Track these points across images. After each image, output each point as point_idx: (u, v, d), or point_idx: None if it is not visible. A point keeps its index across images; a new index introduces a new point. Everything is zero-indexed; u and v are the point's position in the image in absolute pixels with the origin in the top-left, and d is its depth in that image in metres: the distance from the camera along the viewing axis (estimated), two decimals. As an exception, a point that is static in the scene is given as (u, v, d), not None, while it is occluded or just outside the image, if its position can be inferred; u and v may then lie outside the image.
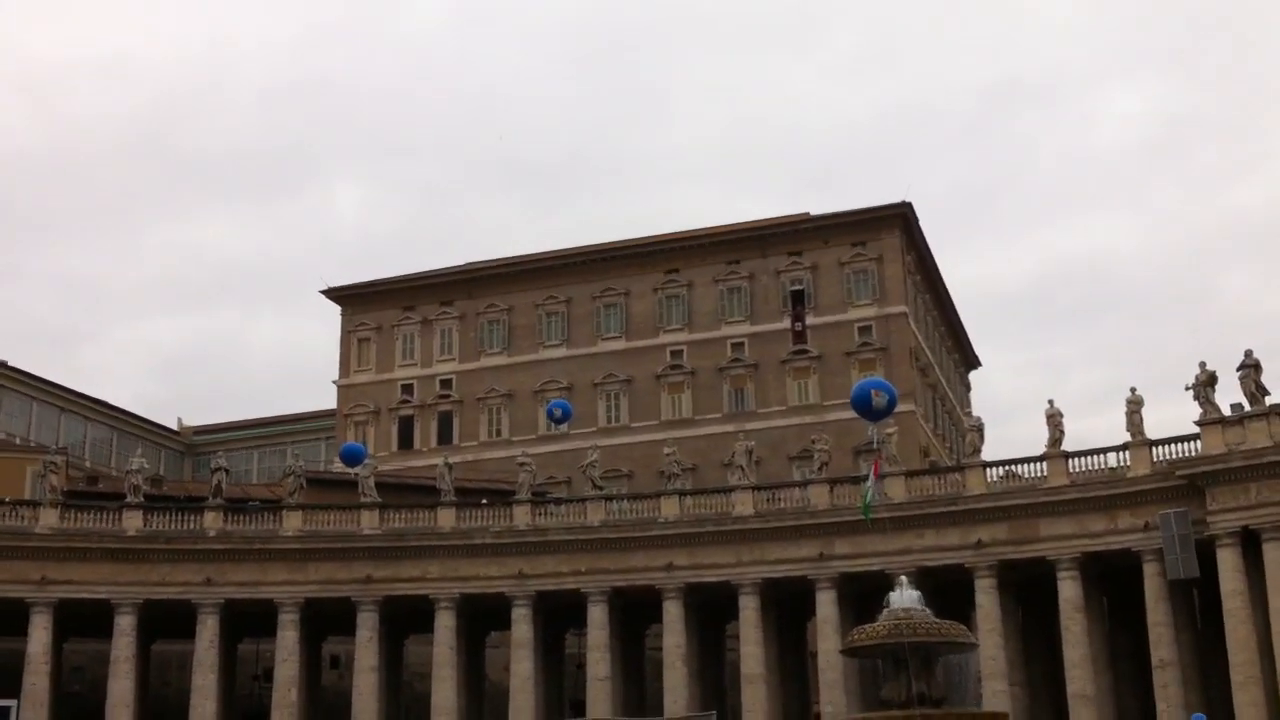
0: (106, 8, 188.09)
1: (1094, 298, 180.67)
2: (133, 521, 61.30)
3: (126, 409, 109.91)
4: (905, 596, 38.14)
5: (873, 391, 38.62)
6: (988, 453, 59.82)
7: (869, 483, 53.66)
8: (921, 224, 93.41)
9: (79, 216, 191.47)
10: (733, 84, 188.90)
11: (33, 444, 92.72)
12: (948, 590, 55.36)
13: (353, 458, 54.54)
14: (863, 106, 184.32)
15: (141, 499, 62.28)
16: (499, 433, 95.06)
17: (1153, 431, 56.02)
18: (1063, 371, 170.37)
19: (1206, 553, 52.28)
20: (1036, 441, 58.13)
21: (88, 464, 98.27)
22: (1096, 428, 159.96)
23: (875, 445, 53.50)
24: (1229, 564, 51.70)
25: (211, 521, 62.03)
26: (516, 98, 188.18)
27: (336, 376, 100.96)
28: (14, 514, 61.17)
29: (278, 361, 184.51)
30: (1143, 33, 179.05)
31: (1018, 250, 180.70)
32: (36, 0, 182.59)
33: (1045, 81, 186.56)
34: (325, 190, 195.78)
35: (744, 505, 61.16)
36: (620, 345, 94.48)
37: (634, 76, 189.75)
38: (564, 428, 73.57)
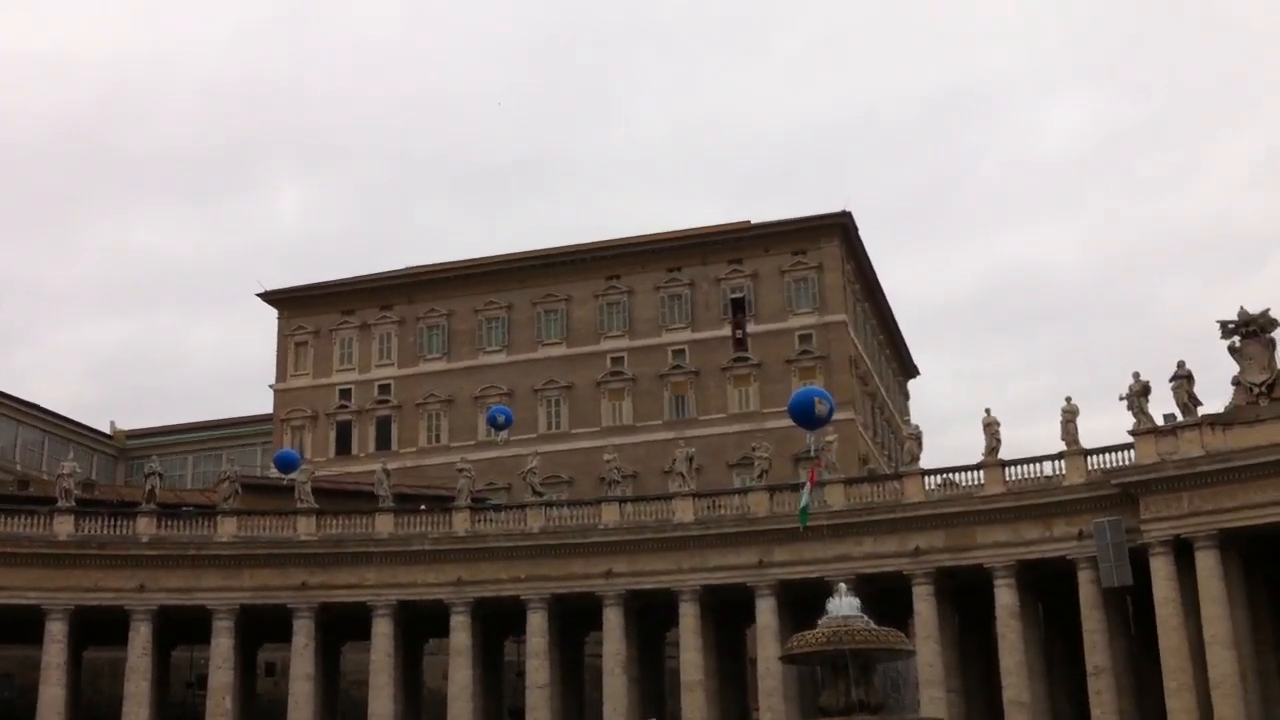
0: (45, 3, 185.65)
1: (1034, 307, 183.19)
2: (64, 526, 60.32)
3: (58, 412, 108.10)
4: (844, 604, 38.25)
5: (816, 400, 38.81)
6: (926, 461, 60.26)
7: (806, 490, 53.95)
8: (863, 233, 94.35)
9: (13, 214, 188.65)
10: (681, 88, 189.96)
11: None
12: (886, 597, 55.58)
13: (286, 465, 54.07)
14: (810, 112, 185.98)
15: (73, 503, 61.32)
16: (438, 438, 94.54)
17: (1090, 441, 56.75)
18: (1003, 380, 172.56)
19: (1140, 561, 52.93)
20: (976, 450, 58.73)
21: (18, 467, 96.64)
22: (1036, 436, 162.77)
23: (813, 453, 53.74)
24: (1162, 572, 52.37)
25: (145, 527, 61.15)
26: (463, 99, 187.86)
27: (274, 381, 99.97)
28: (-57, 519, 60.06)
29: (215, 365, 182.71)
30: (1086, 45, 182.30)
31: (960, 259, 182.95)
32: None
33: (990, 92, 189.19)
34: (267, 191, 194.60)
35: (684, 512, 61.19)
36: (561, 351, 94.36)
37: (582, 80, 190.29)
38: (504, 435, 73.44)
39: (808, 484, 54.28)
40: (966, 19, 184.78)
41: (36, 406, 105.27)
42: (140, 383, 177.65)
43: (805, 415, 34.55)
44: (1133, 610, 56.74)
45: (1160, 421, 54.36)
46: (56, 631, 59.06)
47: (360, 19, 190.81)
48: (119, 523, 61.75)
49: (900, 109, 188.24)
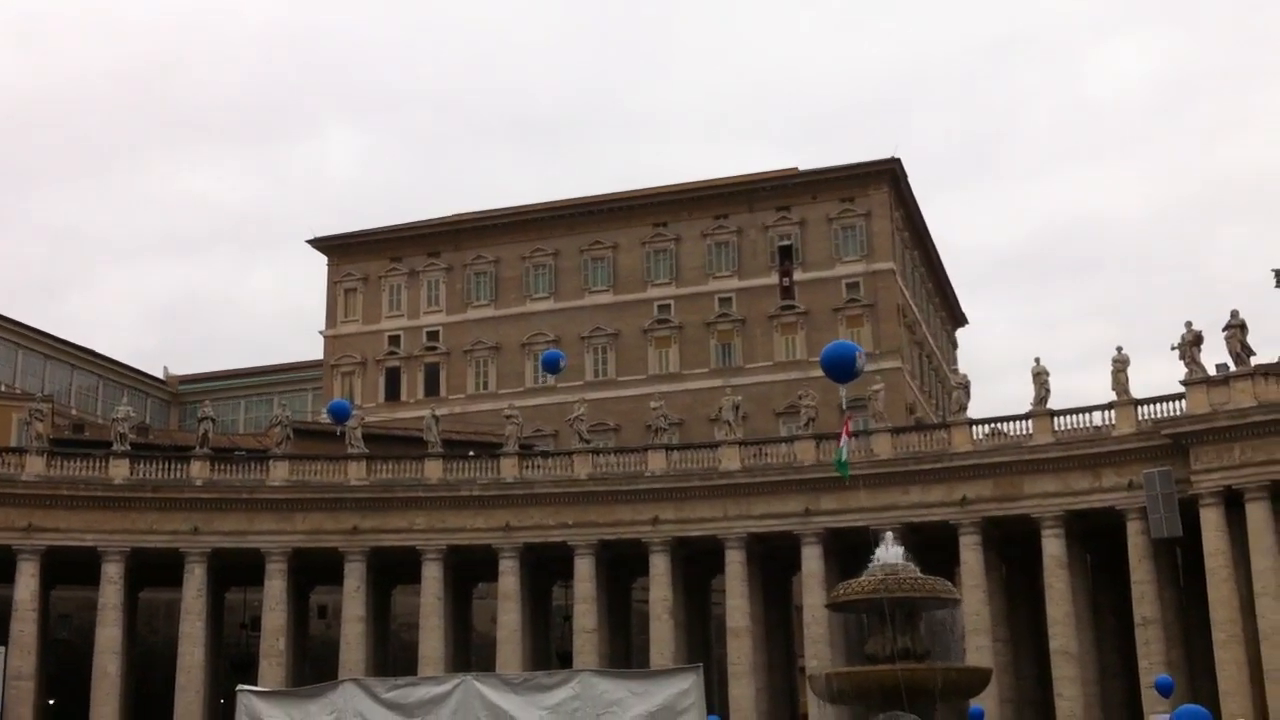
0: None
1: (1088, 254, 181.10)
2: (119, 470, 61.24)
3: (113, 357, 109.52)
4: (890, 552, 38.30)
5: (857, 354, 38.18)
6: (978, 410, 60.22)
7: (843, 444, 53.50)
8: (915, 180, 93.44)
9: (70, 164, 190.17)
10: (731, 37, 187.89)
11: (18, 391, 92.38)
12: (933, 546, 55.65)
13: (339, 414, 54.49)
14: (861, 61, 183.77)
15: (128, 447, 62.23)
16: (486, 385, 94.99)
17: (1145, 389, 56.35)
18: (1056, 329, 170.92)
19: (1190, 512, 52.68)
20: (1028, 400, 58.36)
21: (74, 412, 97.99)
22: (1090, 385, 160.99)
23: (845, 407, 53.47)
24: (1212, 523, 52.11)
25: (198, 471, 62.00)
26: (514, 50, 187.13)
27: (323, 327, 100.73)
28: (0, 461, 61.08)
29: (267, 311, 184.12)
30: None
31: (1014, 205, 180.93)
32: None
33: (1045, 36, 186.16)
34: (321, 139, 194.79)
35: (730, 460, 61.35)
36: (607, 299, 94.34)
37: (631, 29, 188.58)
38: (551, 379, 73.62)
39: (844, 436, 53.89)
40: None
41: (91, 352, 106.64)
42: (194, 328, 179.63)
43: (836, 368, 34.20)
44: (1182, 561, 56.53)
45: (1212, 371, 53.86)
46: (113, 573, 60.11)
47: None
48: (173, 466, 62.62)
49: (953, 53, 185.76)
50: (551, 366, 50.29)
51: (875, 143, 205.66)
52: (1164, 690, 49.71)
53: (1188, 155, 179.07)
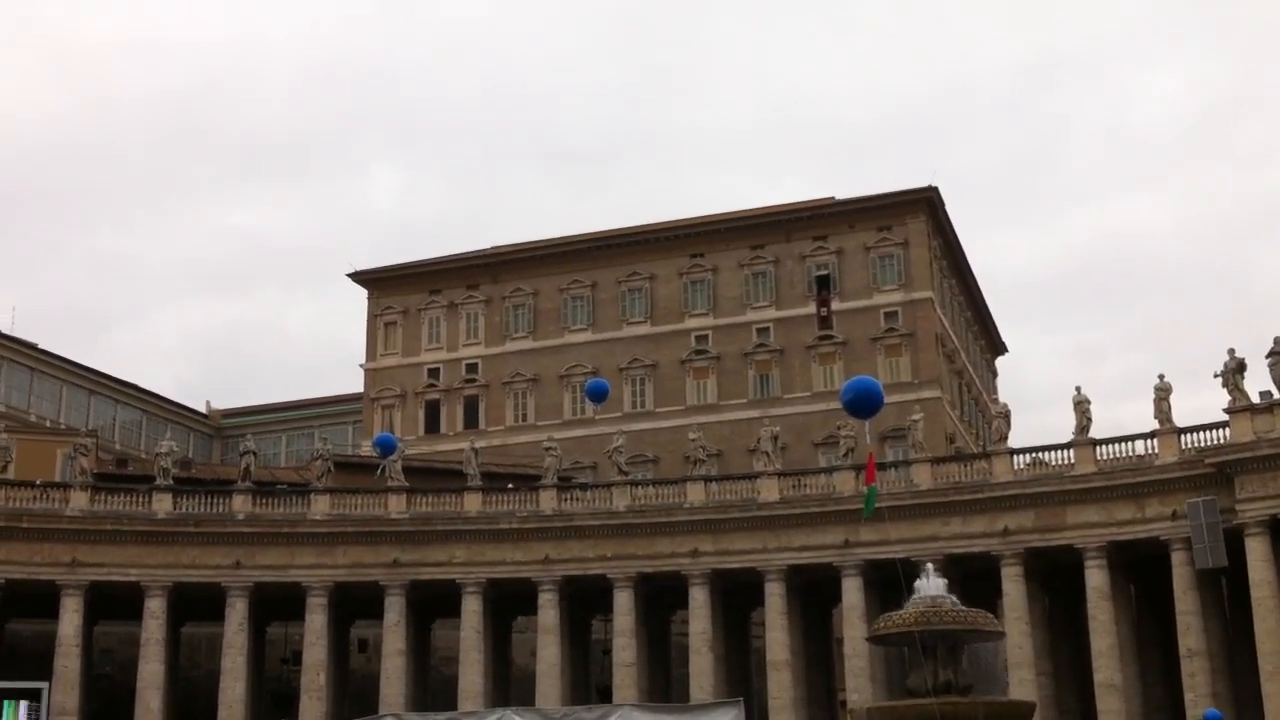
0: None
1: (1131, 281, 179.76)
2: (162, 504, 61.64)
3: (156, 391, 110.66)
4: (932, 584, 38.10)
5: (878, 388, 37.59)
6: (1020, 439, 59.75)
7: (871, 487, 52.00)
8: (953, 207, 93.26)
9: (115, 198, 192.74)
10: (767, 63, 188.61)
11: (63, 426, 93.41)
12: (974, 578, 55.35)
13: (386, 448, 54.64)
14: (899, 87, 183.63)
15: (171, 481, 62.63)
16: (525, 417, 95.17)
17: (1189, 418, 55.80)
18: (1098, 357, 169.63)
19: (1235, 542, 52.05)
20: (1070, 429, 57.90)
21: (117, 446, 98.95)
22: (1132, 414, 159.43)
23: (869, 442, 52.44)
24: (1258, 553, 51.48)
25: (240, 504, 62.35)
26: (550, 79, 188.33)
27: (364, 360, 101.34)
28: (45, 496, 61.56)
29: (309, 345, 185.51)
30: (1183, 12, 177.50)
31: (1054, 232, 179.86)
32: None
33: (1085, 60, 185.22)
34: (361, 172, 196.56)
35: (769, 491, 61.16)
36: (645, 330, 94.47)
37: (669, 58, 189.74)
38: (591, 410, 73.52)
39: (869, 481, 52.59)
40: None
41: (135, 386, 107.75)
42: (237, 362, 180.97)
43: (855, 406, 33.97)
44: (1228, 592, 55.84)
45: (1256, 399, 53.33)
46: (155, 608, 60.45)
47: (450, 2, 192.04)
48: (215, 500, 62.97)
49: (992, 80, 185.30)
50: (596, 395, 50.53)
51: (914, 170, 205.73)
52: (1212, 724, 49.09)
53: (1229, 180, 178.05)
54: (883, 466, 59.77)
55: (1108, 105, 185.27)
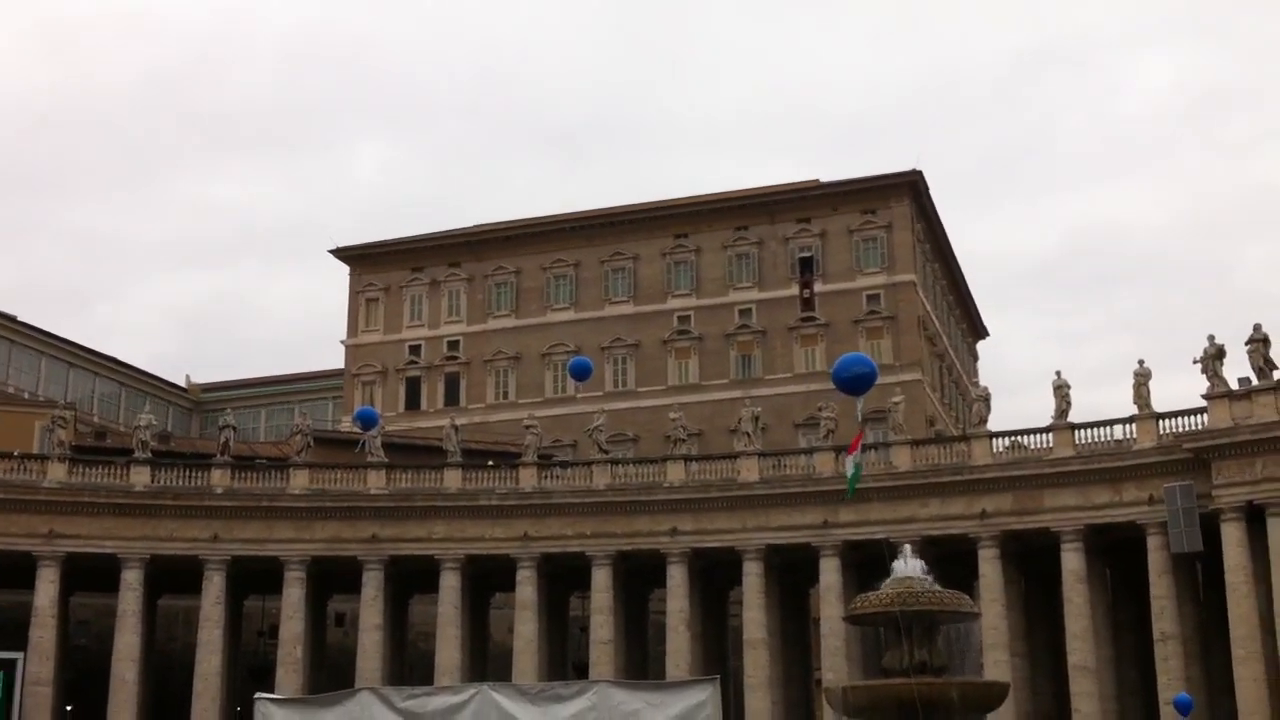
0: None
1: (1113, 268, 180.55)
2: (140, 477, 61.48)
3: (135, 365, 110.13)
4: (909, 565, 38.13)
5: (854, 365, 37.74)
6: (998, 423, 59.93)
7: (850, 459, 52.14)
8: (941, 192, 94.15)
9: (97, 171, 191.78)
10: (757, 47, 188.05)
11: (41, 399, 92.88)
12: (951, 559, 55.49)
13: (367, 421, 54.67)
14: (888, 72, 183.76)
15: (149, 455, 62.42)
16: (506, 395, 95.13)
17: (1169, 404, 55.99)
18: (1081, 342, 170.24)
19: (1211, 527, 52.34)
20: (1050, 413, 58.07)
21: (95, 419, 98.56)
22: (1112, 399, 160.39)
23: (860, 419, 52.40)
24: (1233, 539, 51.77)
25: (219, 479, 62.17)
26: (538, 59, 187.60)
27: (345, 336, 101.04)
28: (22, 468, 61.33)
29: (291, 320, 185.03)
30: (1173, 0, 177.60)
31: (1040, 218, 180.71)
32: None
33: (1075, 47, 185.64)
34: (346, 148, 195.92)
35: (749, 471, 61.26)
36: (628, 309, 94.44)
37: (657, 39, 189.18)
38: (572, 389, 73.60)
39: (855, 451, 52.68)
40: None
41: (114, 359, 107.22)
42: (218, 336, 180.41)
43: (846, 383, 33.99)
44: (1202, 577, 56.18)
45: (1235, 385, 53.56)
46: (132, 580, 60.34)
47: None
48: (194, 474, 62.79)
49: (980, 67, 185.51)
50: (579, 373, 50.42)
51: (900, 155, 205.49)
52: (1183, 708, 49.49)
53: (1215, 169, 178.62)
54: (864, 448, 59.78)
55: (1095, 93, 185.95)
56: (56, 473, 60.66)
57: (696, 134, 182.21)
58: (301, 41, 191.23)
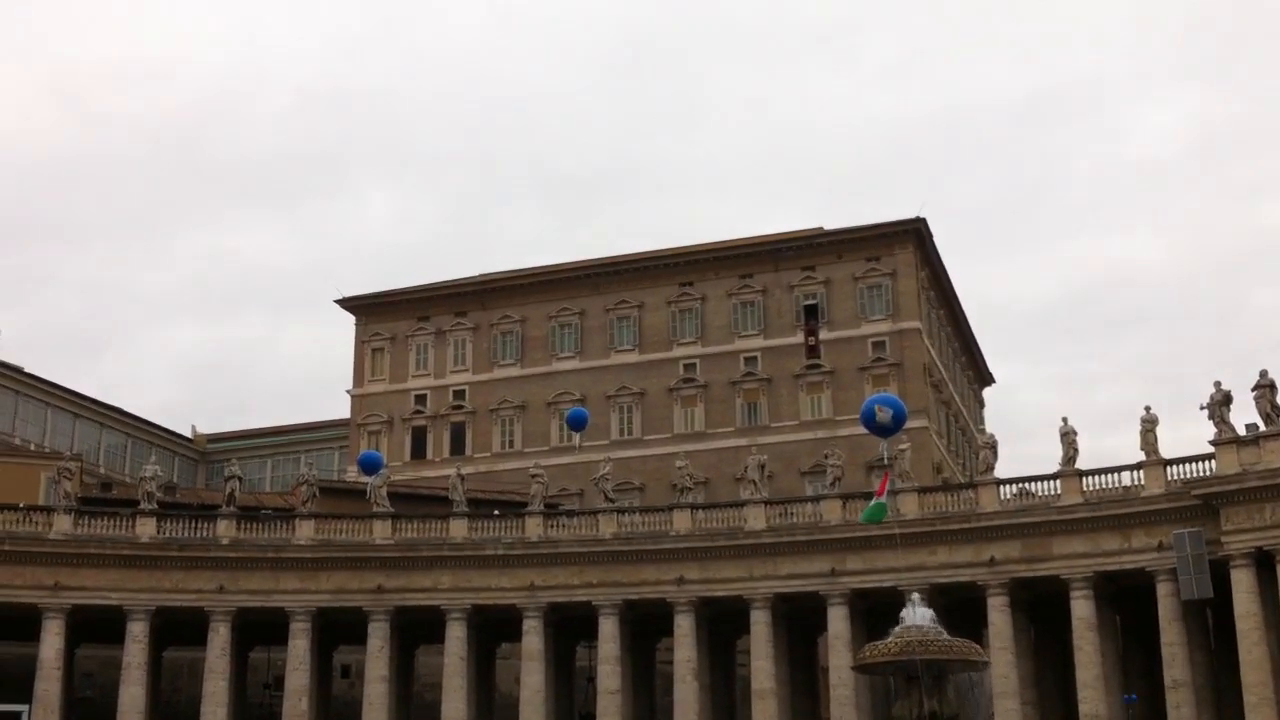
0: (140, 12, 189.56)
1: (1120, 314, 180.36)
2: (146, 528, 61.37)
3: (141, 415, 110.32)
4: (918, 614, 37.99)
5: (877, 407, 38.33)
6: (1008, 470, 59.95)
7: (881, 500, 52.39)
8: (945, 238, 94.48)
9: (108, 221, 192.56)
10: (763, 95, 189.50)
11: (47, 450, 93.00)
12: (960, 607, 55.21)
13: (370, 466, 54.67)
14: (895, 118, 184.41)
15: (155, 506, 62.33)
16: (511, 444, 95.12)
17: (1176, 450, 55.82)
18: (1089, 388, 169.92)
19: (1221, 573, 52.07)
20: (1057, 459, 57.92)
21: (102, 470, 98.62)
22: (1119, 445, 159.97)
23: (885, 460, 52.77)
24: (1243, 585, 51.47)
25: (224, 529, 62.07)
26: (547, 108, 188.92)
27: (351, 386, 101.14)
28: (28, 520, 61.24)
29: (298, 370, 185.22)
30: (1182, 45, 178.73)
31: (1046, 264, 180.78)
32: (69, 4, 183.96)
33: (1081, 93, 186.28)
34: (355, 198, 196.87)
35: (756, 520, 61.05)
36: (633, 358, 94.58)
37: (665, 87, 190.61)
38: (576, 438, 73.72)
39: (882, 488, 52.96)
40: (1057, 18, 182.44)
41: (120, 410, 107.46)
42: (224, 387, 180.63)
43: (875, 422, 34.27)
44: (1213, 623, 55.82)
45: (1242, 431, 53.45)
46: (138, 631, 60.12)
47: (447, 29, 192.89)
48: (199, 525, 62.66)
49: (987, 112, 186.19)
50: (577, 424, 50.73)
51: (906, 200, 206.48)
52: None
53: (1222, 216, 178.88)
54: (869, 496, 59.64)
55: (1103, 138, 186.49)
56: (62, 524, 60.57)
57: (701, 182, 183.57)
58: (310, 93, 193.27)
